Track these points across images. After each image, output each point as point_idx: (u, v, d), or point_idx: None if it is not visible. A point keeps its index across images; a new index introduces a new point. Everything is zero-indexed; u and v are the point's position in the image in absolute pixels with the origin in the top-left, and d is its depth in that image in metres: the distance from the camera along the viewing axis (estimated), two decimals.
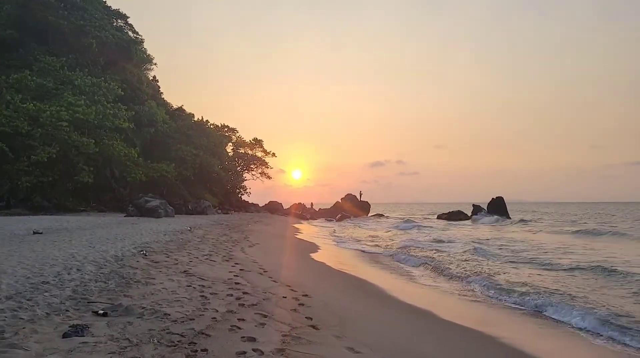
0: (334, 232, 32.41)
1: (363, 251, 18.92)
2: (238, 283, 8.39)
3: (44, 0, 38.15)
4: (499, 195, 61.54)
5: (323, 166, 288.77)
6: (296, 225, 40.88)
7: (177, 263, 10.04)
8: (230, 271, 9.87)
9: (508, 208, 59.95)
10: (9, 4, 37.29)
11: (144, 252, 11.07)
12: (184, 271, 9.11)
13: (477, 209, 61.21)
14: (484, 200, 64.13)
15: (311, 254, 16.91)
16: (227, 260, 11.67)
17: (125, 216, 29.47)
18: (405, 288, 10.88)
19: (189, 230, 19.69)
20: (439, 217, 63.47)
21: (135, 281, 7.51)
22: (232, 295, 7.29)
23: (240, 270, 10.30)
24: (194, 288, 7.54)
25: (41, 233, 14.78)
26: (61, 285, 6.63)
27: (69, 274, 7.45)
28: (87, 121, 33.63)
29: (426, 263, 14.78)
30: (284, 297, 7.66)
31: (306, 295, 8.02)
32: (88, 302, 5.82)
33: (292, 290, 8.44)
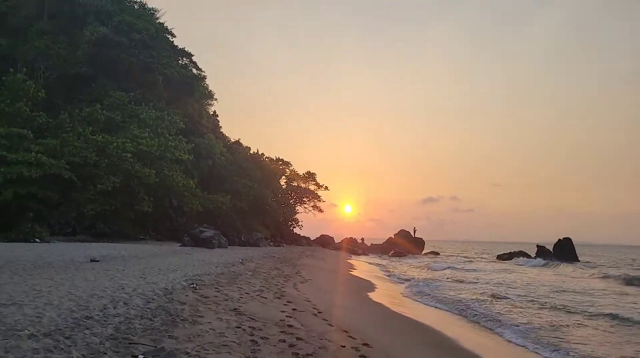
0: (388, 269, 30.98)
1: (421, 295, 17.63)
2: (291, 326, 7.64)
3: (118, 40, 40.96)
4: (566, 236, 57.18)
5: (374, 200, 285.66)
6: (349, 260, 39.73)
7: (227, 300, 9.47)
8: (282, 311, 9.14)
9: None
10: (86, 44, 40.30)
11: (194, 285, 10.63)
12: (234, 309, 8.50)
13: (541, 250, 57.11)
14: (547, 241, 59.94)
15: (368, 293, 15.87)
16: (279, 297, 10.98)
17: (180, 246, 29.81)
18: (473, 338, 9.63)
19: (241, 262, 19.29)
20: (499, 258, 59.76)
21: (182, 320, 6.97)
22: (284, 341, 6.54)
23: (293, 309, 9.55)
24: (243, 330, 6.88)
25: (98, 261, 14.87)
26: (105, 320, 6.19)
27: (114, 308, 7.03)
28: (150, 152, 34.97)
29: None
30: (342, 346, 6.80)
31: (367, 345, 7.12)
32: (129, 343, 5.29)
33: (350, 336, 7.57)
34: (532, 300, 16.00)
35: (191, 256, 20.24)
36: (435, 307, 14.15)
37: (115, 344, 5.17)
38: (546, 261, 48.94)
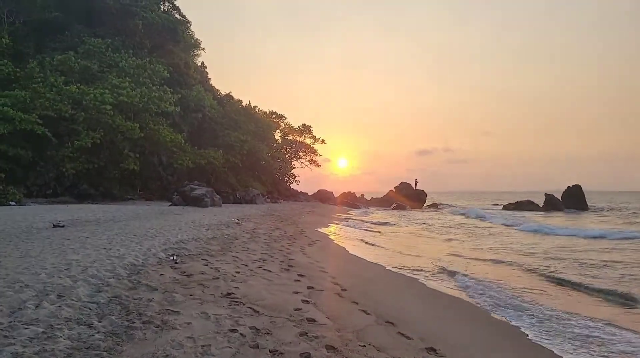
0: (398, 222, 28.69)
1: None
2: (313, 321, 5.12)
3: None
4: (575, 183, 55.17)
5: (369, 154, 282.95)
6: (353, 215, 37.50)
7: (217, 278, 6.93)
8: (295, 292, 6.63)
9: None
10: None
11: (175, 257, 8.07)
12: (227, 295, 5.96)
13: (550, 199, 55.14)
14: (547, 189, 57.98)
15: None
16: (287, 269, 8.47)
17: (169, 206, 27.29)
18: None
19: (237, 223, 16.80)
20: (506, 208, 57.95)
21: (144, 322, 4.41)
22: (309, 355, 4.01)
23: (309, 288, 7.04)
24: (241, 335, 4.35)
25: (62, 227, 12.27)
26: (6, 335, 3.61)
27: (36, 307, 4.44)
28: (132, 104, 31.71)
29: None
30: None
31: (433, 350, 4.61)
32: None
33: (403, 334, 5.06)
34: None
35: (180, 217, 17.71)
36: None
37: None
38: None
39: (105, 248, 8.35)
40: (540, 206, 55.40)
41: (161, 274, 6.73)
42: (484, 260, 12.62)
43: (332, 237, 17.16)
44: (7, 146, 26.23)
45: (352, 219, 31.02)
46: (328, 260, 10.82)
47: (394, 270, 10.24)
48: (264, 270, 8.12)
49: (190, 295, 5.76)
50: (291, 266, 8.85)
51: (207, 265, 7.84)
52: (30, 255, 7.33)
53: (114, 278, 6.09)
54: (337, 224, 24.78)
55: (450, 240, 19.09)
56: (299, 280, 7.63)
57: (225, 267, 7.84)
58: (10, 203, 25.18)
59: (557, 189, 59.95)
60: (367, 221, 29.87)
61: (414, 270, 10.43)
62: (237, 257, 9.08)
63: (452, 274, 10.06)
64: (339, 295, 7.02)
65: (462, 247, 16.08)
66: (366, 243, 16.60)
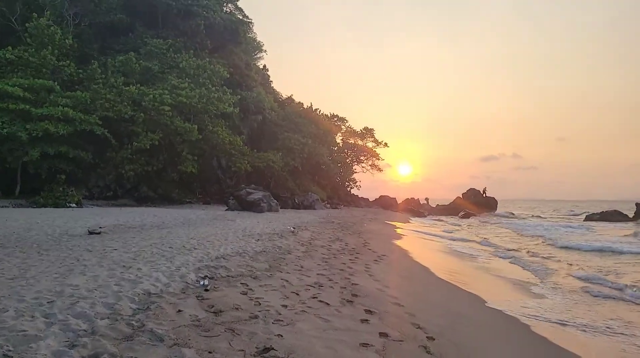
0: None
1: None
2: None
3: None
4: None
5: (430, 160, 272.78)
6: (417, 224, 34.68)
7: (255, 316, 4.97)
8: (363, 345, 4.51)
9: None
10: None
11: (206, 280, 6.22)
12: (263, 351, 3.95)
13: None
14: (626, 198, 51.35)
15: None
16: (350, 300, 6.35)
17: (225, 210, 26.19)
18: None
19: (292, 231, 14.95)
20: (589, 218, 52.08)
21: None
22: None
23: (381, 334, 4.90)
24: None
25: (98, 233, 10.99)
26: None
27: None
28: (191, 105, 31.14)
29: None
30: None
31: None
32: None
33: None
34: None
35: (231, 224, 16.18)
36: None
37: None
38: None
39: (124, 266, 6.69)
40: (630, 216, 49.23)
41: (179, 310, 4.87)
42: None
43: (401, 250, 14.83)
44: (67, 147, 26.35)
45: (421, 230, 28.26)
46: (401, 284, 8.58)
47: (495, 306, 7.77)
48: (320, 301, 6.05)
49: (209, 352, 3.82)
50: (355, 295, 6.71)
51: (245, 294, 5.91)
52: (26, 275, 5.79)
53: (108, 318, 4.29)
54: (405, 233, 22.30)
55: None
56: (367, 320, 5.48)
57: (269, 297, 5.86)
58: (69, 204, 25.20)
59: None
60: (442, 235, 27.00)
61: (521, 308, 7.90)
62: (287, 280, 7.09)
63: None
64: (426, 349, 4.80)
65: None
66: (446, 256, 14.09)
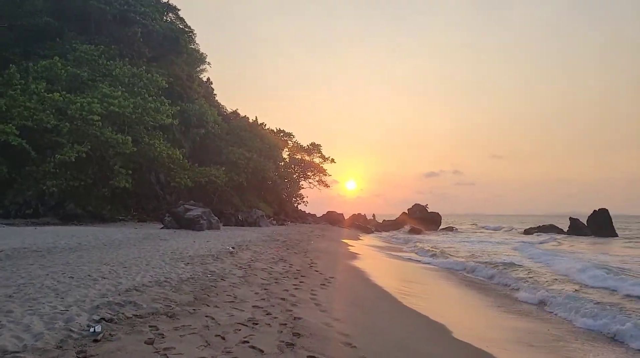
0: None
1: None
2: None
3: None
4: (602, 207, 51.15)
5: (376, 176, 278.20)
6: (367, 240, 33.97)
7: None
8: None
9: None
10: None
11: (99, 325, 4.71)
12: None
13: (575, 224, 51.29)
14: (558, 213, 54.16)
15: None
16: (290, 343, 5.08)
17: (161, 228, 24.05)
18: None
19: (231, 252, 13.44)
20: (527, 232, 54.05)
21: None
22: None
23: None
24: None
25: None
26: None
27: None
28: (124, 115, 28.80)
29: None
30: None
31: None
32: None
33: None
34: None
35: (163, 244, 14.42)
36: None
37: None
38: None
39: None
40: (565, 230, 51.61)
41: None
42: None
43: (351, 270, 13.74)
44: None
45: (371, 244, 27.50)
46: (352, 314, 7.41)
47: (462, 337, 6.76)
48: (252, 347, 4.72)
49: None
50: (297, 334, 5.44)
51: (151, 343, 4.47)
52: None
53: None
54: (354, 252, 21.32)
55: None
56: None
57: (183, 346, 4.46)
58: None
59: (571, 213, 56.42)
60: (391, 249, 26.37)
61: (489, 340, 6.95)
62: (214, 317, 5.70)
63: None
64: None
65: None
66: (402, 280, 13.13)
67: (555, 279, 13.23)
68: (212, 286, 7.83)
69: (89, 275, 7.51)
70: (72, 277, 7.22)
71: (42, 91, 25.90)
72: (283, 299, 7.49)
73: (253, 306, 6.67)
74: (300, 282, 9.67)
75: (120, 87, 29.90)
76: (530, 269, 15.74)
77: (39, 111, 25.48)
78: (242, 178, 41.26)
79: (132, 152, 29.30)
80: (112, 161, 29.58)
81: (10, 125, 24.14)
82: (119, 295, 6.22)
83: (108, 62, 31.97)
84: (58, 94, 26.19)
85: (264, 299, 7.29)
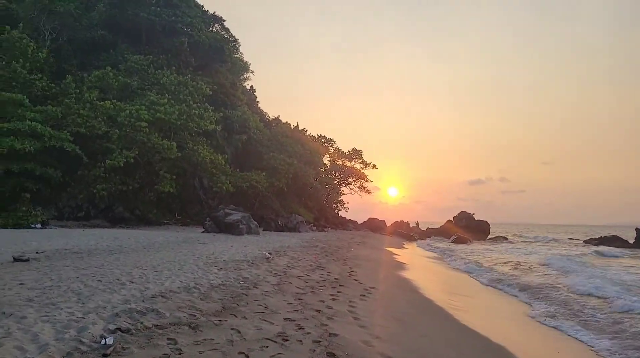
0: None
1: None
2: None
3: None
4: None
5: (418, 182, 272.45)
6: (411, 248, 32.85)
7: None
8: None
9: None
10: (102, 4, 35.21)
11: (112, 336, 4.36)
12: None
13: None
14: (615, 223, 50.17)
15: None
16: None
17: (202, 232, 24.22)
18: None
19: (267, 257, 13.09)
20: (587, 243, 50.62)
21: None
22: None
23: None
24: None
25: (26, 260, 9.07)
26: None
27: None
28: (170, 121, 29.43)
29: None
30: None
31: None
32: None
33: None
34: None
35: (200, 248, 14.30)
36: None
37: None
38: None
39: (3, 313, 4.80)
40: (630, 242, 47.81)
41: None
42: None
43: (397, 279, 13.02)
44: (34, 164, 24.40)
45: (416, 253, 26.50)
46: (396, 331, 6.76)
47: None
48: None
49: None
50: (331, 354, 4.90)
51: None
52: None
53: None
54: (400, 261, 20.49)
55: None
56: None
57: None
58: (33, 225, 23.14)
59: (633, 223, 52.21)
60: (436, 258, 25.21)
61: None
62: (239, 330, 5.26)
63: None
64: None
65: None
66: (452, 293, 12.25)
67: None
68: (243, 294, 7.43)
69: (117, 279, 7.31)
70: (101, 280, 7.05)
71: (95, 99, 26.90)
72: (318, 311, 6.97)
73: (285, 318, 6.19)
74: (338, 292, 9.11)
75: (166, 95, 30.66)
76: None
77: (92, 118, 26.47)
78: (283, 183, 41.23)
79: (176, 157, 29.88)
80: (158, 166, 30.27)
81: (65, 132, 25.17)
82: (143, 301, 5.92)
83: (156, 72, 32.91)
84: (109, 102, 27.13)
85: (297, 310, 6.80)
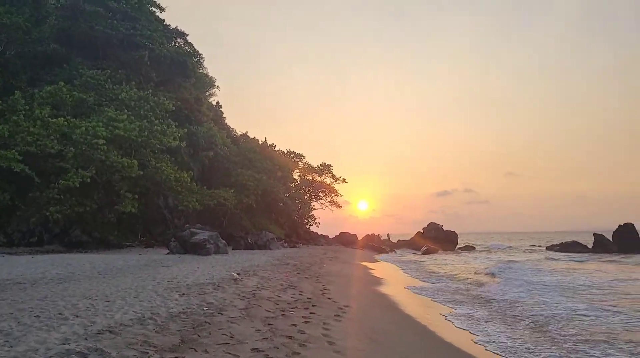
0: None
1: None
2: None
3: (92, 10, 34.24)
4: (628, 222, 48.88)
5: (388, 196, 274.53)
6: (382, 261, 32.45)
7: None
8: None
9: None
10: (55, 16, 33.71)
11: None
12: None
13: (600, 239, 48.97)
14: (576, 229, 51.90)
15: None
16: None
17: (166, 254, 22.97)
18: None
19: (235, 279, 12.26)
20: (549, 249, 51.84)
21: None
22: None
23: None
24: None
25: None
26: None
27: None
28: (130, 138, 28.15)
29: None
30: None
31: None
32: None
33: None
34: None
35: (163, 272, 13.31)
36: None
37: None
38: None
39: None
40: (589, 247, 49.26)
41: None
42: None
43: (370, 295, 12.43)
44: None
45: (387, 266, 26.09)
46: (375, 354, 6.14)
47: None
48: None
49: None
50: None
51: None
52: None
53: None
54: (373, 275, 19.95)
55: None
56: None
57: None
58: None
59: (593, 228, 54.13)
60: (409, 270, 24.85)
61: None
62: None
63: None
64: None
65: None
66: (426, 306, 11.76)
67: None
68: (206, 322, 6.64)
69: (60, 313, 6.39)
70: (39, 316, 6.12)
71: (47, 116, 25.41)
72: (290, 337, 6.27)
73: (252, 349, 5.47)
74: (311, 313, 8.43)
75: (126, 110, 29.38)
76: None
77: (43, 136, 24.94)
78: (252, 200, 40.26)
79: (138, 176, 28.55)
80: (118, 186, 28.82)
81: (13, 151, 23.57)
82: (86, 339, 5.07)
83: (115, 87, 31.59)
84: (62, 119, 25.69)
85: (266, 338, 6.08)
